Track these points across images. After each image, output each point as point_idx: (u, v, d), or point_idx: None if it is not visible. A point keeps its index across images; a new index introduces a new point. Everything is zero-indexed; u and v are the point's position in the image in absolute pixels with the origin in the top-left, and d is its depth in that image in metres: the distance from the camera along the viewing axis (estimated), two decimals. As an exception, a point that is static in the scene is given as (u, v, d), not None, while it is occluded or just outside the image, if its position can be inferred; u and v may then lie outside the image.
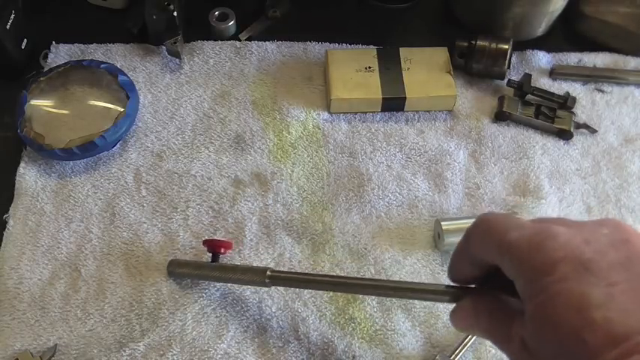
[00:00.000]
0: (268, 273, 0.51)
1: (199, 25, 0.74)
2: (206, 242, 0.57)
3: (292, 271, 0.59)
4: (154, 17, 0.70)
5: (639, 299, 0.29)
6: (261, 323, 0.57)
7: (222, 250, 0.56)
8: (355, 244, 0.61)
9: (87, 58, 0.70)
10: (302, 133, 0.68)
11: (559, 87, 0.72)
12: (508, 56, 0.70)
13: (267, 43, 0.74)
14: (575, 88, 0.72)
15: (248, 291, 0.58)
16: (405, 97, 0.68)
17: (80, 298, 0.57)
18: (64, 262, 0.59)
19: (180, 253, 0.60)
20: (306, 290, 0.58)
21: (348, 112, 0.69)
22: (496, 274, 0.35)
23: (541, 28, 0.75)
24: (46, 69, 0.70)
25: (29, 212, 0.62)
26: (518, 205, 0.64)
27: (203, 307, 0.57)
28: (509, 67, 0.71)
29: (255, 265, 0.59)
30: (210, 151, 0.66)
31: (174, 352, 0.55)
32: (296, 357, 0.55)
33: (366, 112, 0.70)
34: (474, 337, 0.55)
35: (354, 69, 0.69)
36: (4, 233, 0.60)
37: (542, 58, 0.74)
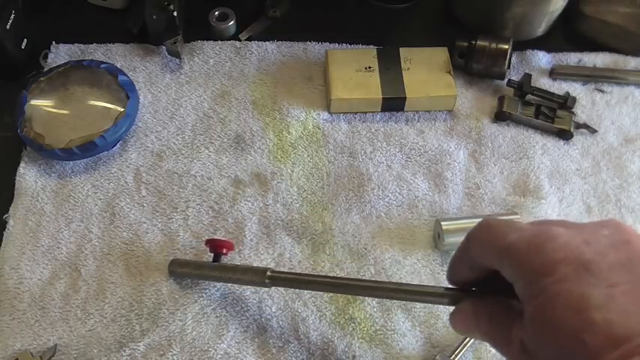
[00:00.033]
0: (268, 273, 0.51)
1: (199, 25, 0.74)
2: (208, 242, 0.57)
3: (292, 271, 0.59)
4: (154, 17, 0.70)
5: None
6: (261, 323, 0.57)
7: (224, 251, 0.56)
8: (355, 244, 0.61)
9: (87, 58, 0.70)
10: (302, 133, 0.68)
11: (559, 87, 0.72)
12: (508, 56, 0.70)
13: (267, 43, 0.74)
14: (575, 88, 0.72)
15: (248, 291, 0.58)
16: (405, 97, 0.68)
17: (80, 298, 0.57)
18: (64, 262, 0.59)
19: (180, 253, 0.60)
20: (306, 290, 0.58)
21: (348, 112, 0.69)
22: (495, 277, 0.35)
23: (541, 28, 0.75)
24: (46, 69, 0.70)
25: (29, 212, 0.62)
26: (518, 205, 0.64)
27: (203, 307, 0.57)
28: (509, 67, 0.71)
29: (255, 265, 0.59)
30: (210, 151, 0.66)
31: (174, 352, 0.55)
32: (296, 357, 0.55)
33: (366, 112, 0.70)
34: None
35: (354, 69, 0.69)
36: (4, 233, 0.60)
37: (542, 58, 0.74)
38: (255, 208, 0.63)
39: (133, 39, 0.74)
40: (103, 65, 0.67)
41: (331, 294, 0.58)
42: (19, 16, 0.69)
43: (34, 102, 0.65)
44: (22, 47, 0.70)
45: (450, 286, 0.40)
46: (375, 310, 0.57)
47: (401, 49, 0.71)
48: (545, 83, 0.72)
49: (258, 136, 0.67)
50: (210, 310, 0.57)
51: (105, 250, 0.60)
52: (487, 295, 0.37)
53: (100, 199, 0.63)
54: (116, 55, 0.72)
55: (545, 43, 0.76)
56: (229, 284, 0.58)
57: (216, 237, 0.60)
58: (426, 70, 0.70)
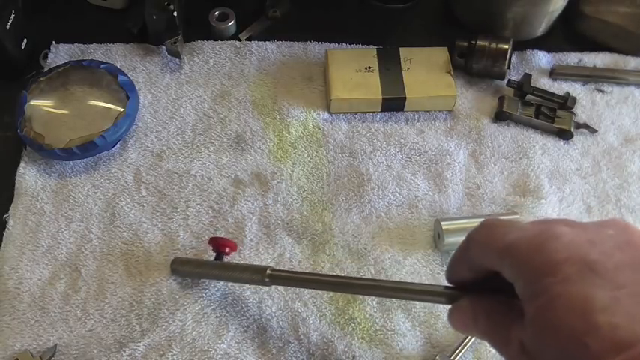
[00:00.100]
0: (268, 272, 0.51)
1: (199, 25, 0.74)
2: (212, 240, 0.57)
3: (292, 270, 0.59)
4: (154, 17, 0.70)
5: None
6: (261, 323, 0.57)
7: (227, 250, 0.56)
8: (355, 244, 0.61)
9: (87, 58, 0.70)
10: (302, 133, 0.68)
11: (559, 87, 0.72)
12: (508, 56, 0.70)
13: (267, 43, 0.74)
14: (575, 88, 0.72)
15: (248, 291, 0.58)
16: (405, 97, 0.68)
17: (80, 298, 0.57)
18: (64, 262, 0.59)
19: (181, 253, 0.60)
20: (306, 290, 0.58)
21: (348, 112, 0.69)
22: (494, 278, 0.34)
23: (541, 28, 0.75)
24: (46, 69, 0.70)
25: (29, 212, 0.62)
26: (518, 205, 0.64)
27: (203, 307, 0.57)
28: (509, 67, 0.71)
29: (255, 263, 0.59)
30: (210, 151, 0.66)
31: (174, 352, 0.55)
32: (296, 357, 0.55)
33: (366, 112, 0.70)
34: (474, 337, 0.55)
35: (354, 69, 0.69)
36: (4, 233, 0.60)
37: (542, 58, 0.74)
38: (255, 208, 0.63)
39: (133, 39, 0.74)
40: (103, 65, 0.67)
41: (331, 294, 0.58)
42: (19, 16, 0.69)
43: (34, 102, 0.65)
44: (22, 47, 0.71)
45: (449, 284, 0.40)
46: (375, 310, 0.57)
47: (401, 49, 0.71)
48: (545, 83, 0.72)
49: (258, 136, 0.67)
50: (210, 310, 0.57)
51: (105, 250, 0.60)
52: (486, 294, 0.36)
53: (100, 199, 0.63)
54: (116, 55, 0.72)
55: (545, 43, 0.76)
56: (229, 284, 0.58)
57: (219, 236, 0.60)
58: (426, 70, 0.70)
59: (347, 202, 0.64)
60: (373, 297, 0.58)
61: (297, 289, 0.58)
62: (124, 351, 0.54)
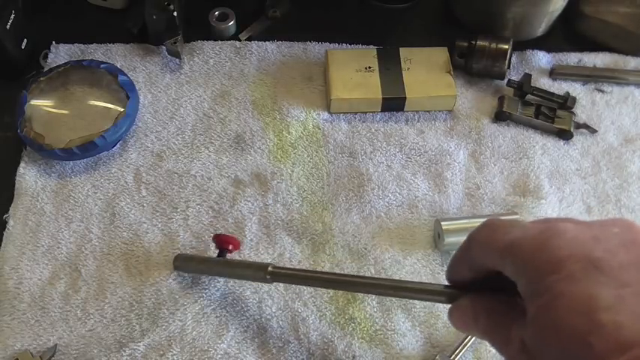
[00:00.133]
0: (270, 269, 0.51)
1: (199, 25, 0.74)
2: (216, 237, 0.57)
3: (293, 267, 0.59)
4: (154, 17, 0.70)
5: None
6: (261, 323, 0.57)
7: (230, 247, 0.56)
8: (355, 244, 0.61)
9: (87, 58, 0.70)
10: (302, 133, 0.68)
11: (559, 87, 0.72)
12: (508, 56, 0.70)
13: (267, 43, 0.74)
14: (575, 88, 0.72)
15: (248, 291, 0.58)
16: (405, 97, 0.68)
17: (80, 298, 0.57)
18: (64, 262, 0.59)
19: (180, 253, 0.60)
20: (306, 290, 0.58)
21: (348, 112, 0.69)
22: (494, 278, 0.34)
23: (541, 28, 0.75)
24: (46, 69, 0.70)
25: (29, 212, 0.62)
26: (518, 205, 0.64)
27: (203, 307, 0.57)
28: (509, 67, 0.71)
29: (255, 265, 0.59)
30: (210, 151, 0.66)
31: (174, 352, 0.55)
32: (296, 357, 0.55)
33: (366, 112, 0.70)
34: (474, 337, 0.55)
35: (354, 69, 0.69)
36: (4, 233, 0.60)
37: (542, 58, 0.74)
38: (255, 208, 0.63)
39: (133, 39, 0.74)
40: (103, 65, 0.67)
41: (331, 294, 0.58)
42: (19, 16, 0.69)
43: (34, 102, 0.65)
44: (22, 47, 0.71)
45: (449, 284, 0.40)
46: (375, 310, 0.57)
47: (401, 49, 0.71)
48: (545, 83, 0.72)
49: (258, 136, 0.67)
50: (210, 310, 0.57)
51: (105, 250, 0.60)
52: (486, 293, 0.36)
53: (100, 199, 0.63)
54: (116, 55, 0.72)
55: (545, 43, 0.76)
56: (230, 283, 0.58)
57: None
58: (425, 70, 0.70)
59: (347, 202, 0.64)
60: (373, 297, 0.58)
61: (298, 288, 0.58)
62: (124, 351, 0.54)
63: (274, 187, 0.64)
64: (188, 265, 0.58)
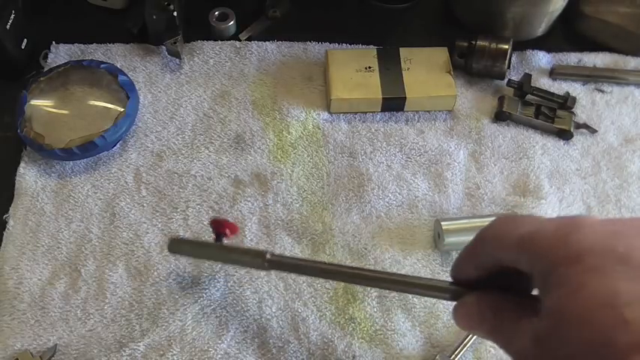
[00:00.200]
0: (268, 256, 0.50)
1: (199, 25, 0.74)
2: (213, 222, 0.55)
3: (293, 256, 0.58)
4: (154, 17, 0.70)
5: None
6: (261, 323, 0.57)
7: (228, 232, 0.54)
8: (355, 244, 0.61)
9: (87, 58, 0.70)
10: (302, 133, 0.68)
11: (559, 87, 0.72)
12: (508, 56, 0.70)
13: (267, 43, 0.74)
14: (575, 88, 0.72)
15: (248, 291, 0.58)
16: (405, 97, 0.68)
17: (80, 298, 0.57)
18: (64, 262, 0.59)
19: (180, 253, 0.60)
20: (306, 290, 0.58)
21: (348, 112, 0.69)
22: (500, 276, 0.34)
23: (541, 28, 0.75)
24: (46, 69, 0.70)
25: (29, 212, 0.62)
26: (518, 205, 0.64)
27: (203, 307, 0.57)
28: (509, 67, 0.71)
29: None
30: (210, 151, 0.66)
31: (174, 352, 0.55)
32: (296, 357, 0.55)
33: (366, 112, 0.70)
34: (474, 337, 0.55)
35: (354, 69, 0.69)
36: (4, 233, 0.60)
37: (542, 58, 0.74)
38: (255, 208, 0.63)
39: (133, 39, 0.74)
40: (103, 65, 0.67)
41: (331, 294, 0.58)
42: (19, 16, 0.69)
43: (34, 102, 0.65)
44: (22, 47, 0.71)
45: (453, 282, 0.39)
46: (375, 310, 0.57)
47: (401, 49, 0.71)
48: (545, 83, 0.72)
49: (258, 136, 0.67)
50: (210, 310, 0.57)
51: (105, 250, 0.60)
52: (492, 291, 0.35)
53: (100, 199, 0.63)
54: (116, 55, 0.72)
55: (545, 43, 0.76)
56: (230, 283, 0.58)
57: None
58: (426, 70, 0.70)
59: (347, 202, 0.64)
60: (373, 297, 0.58)
61: (298, 288, 0.58)
62: (124, 351, 0.54)
63: (274, 187, 0.64)
64: (183, 248, 0.57)
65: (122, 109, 0.65)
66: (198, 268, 0.59)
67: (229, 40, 0.74)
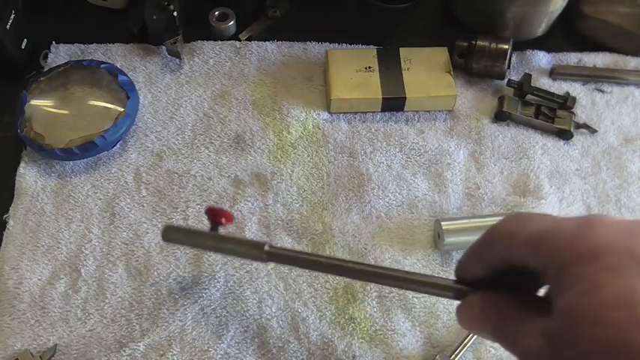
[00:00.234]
0: (266, 248, 0.48)
1: (199, 25, 0.74)
2: (209, 210, 0.53)
3: (293, 249, 0.57)
4: (154, 17, 0.70)
5: None
6: (261, 323, 0.57)
7: (223, 221, 0.53)
8: (355, 244, 0.61)
9: (87, 58, 0.70)
10: (302, 133, 0.68)
11: (559, 87, 0.72)
12: (508, 56, 0.70)
13: (267, 43, 0.74)
14: (575, 88, 0.72)
15: (248, 291, 0.58)
16: (405, 97, 0.68)
17: (80, 298, 0.57)
18: (64, 262, 0.59)
19: (181, 253, 0.60)
20: (306, 290, 0.58)
21: (348, 112, 0.69)
22: (505, 276, 0.34)
23: (541, 28, 0.75)
24: (46, 69, 0.70)
25: (29, 212, 0.62)
26: (518, 205, 0.64)
27: (203, 307, 0.57)
28: (509, 67, 0.71)
29: (255, 263, 0.59)
30: (210, 151, 0.66)
31: (174, 352, 0.55)
32: (296, 357, 0.55)
33: (366, 112, 0.70)
34: (474, 337, 0.55)
35: (354, 69, 0.69)
36: (4, 233, 0.60)
37: (542, 58, 0.74)
38: (255, 208, 0.63)
39: (133, 39, 0.74)
40: (103, 65, 0.67)
41: (331, 294, 0.58)
42: (19, 16, 0.69)
43: (34, 102, 0.65)
44: (22, 47, 0.71)
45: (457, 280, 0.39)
46: (375, 310, 0.57)
47: (401, 49, 0.71)
48: (545, 83, 0.72)
49: (258, 136, 0.67)
50: (210, 310, 0.57)
51: (105, 250, 0.60)
52: (497, 290, 0.35)
53: (100, 199, 0.63)
54: (116, 55, 0.72)
55: (545, 43, 0.76)
56: (229, 283, 0.58)
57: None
58: (426, 70, 0.70)
59: (347, 202, 0.64)
60: (373, 297, 0.58)
61: (298, 288, 0.58)
62: (124, 351, 0.54)
63: (274, 187, 0.64)
64: (178, 236, 0.54)
65: (122, 109, 0.65)
66: (198, 268, 0.59)
67: (229, 40, 0.74)
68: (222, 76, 0.72)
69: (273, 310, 0.57)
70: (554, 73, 0.73)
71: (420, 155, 0.67)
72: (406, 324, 0.57)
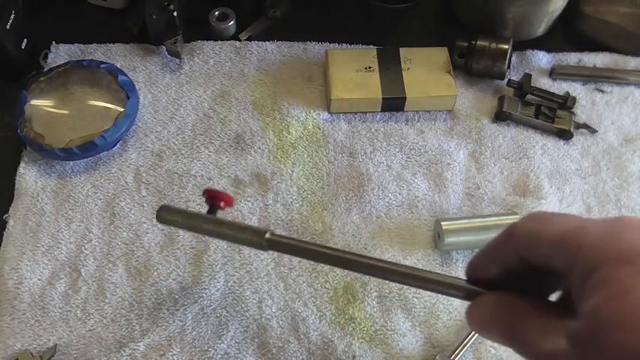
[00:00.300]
0: (267, 236, 0.46)
1: (199, 25, 0.74)
2: (207, 192, 0.51)
3: (296, 238, 0.52)
4: (154, 17, 0.70)
5: None
6: (261, 323, 0.57)
7: (222, 204, 0.51)
8: (355, 244, 0.61)
9: (87, 58, 0.70)
10: (302, 133, 0.68)
11: (559, 87, 0.72)
12: (508, 56, 0.70)
13: (267, 43, 0.74)
14: (575, 88, 0.72)
15: (248, 291, 0.58)
16: (405, 97, 0.68)
17: (80, 298, 0.57)
18: (64, 262, 0.59)
19: (181, 253, 0.60)
20: (306, 290, 0.58)
21: (348, 112, 0.69)
22: (519, 277, 0.33)
23: (541, 28, 0.75)
24: (46, 69, 0.70)
25: (29, 212, 0.62)
26: (518, 205, 0.64)
27: (203, 307, 0.57)
28: (509, 67, 0.71)
29: (255, 263, 0.59)
30: (210, 151, 0.66)
31: (174, 352, 0.55)
32: (296, 357, 0.55)
33: (366, 112, 0.70)
34: (474, 337, 0.55)
35: (354, 69, 0.69)
36: (4, 233, 0.60)
37: (542, 58, 0.74)
38: (255, 208, 0.63)
39: (133, 39, 0.74)
40: (103, 65, 0.67)
41: (331, 294, 0.58)
42: (19, 16, 0.69)
43: (34, 102, 0.65)
44: (22, 47, 0.71)
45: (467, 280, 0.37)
46: (375, 310, 0.57)
47: (401, 49, 0.71)
48: (545, 83, 0.72)
49: (258, 136, 0.67)
50: (210, 310, 0.57)
51: (105, 250, 0.60)
52: (510, 292, 0.34)
53: (100, 199, 0.63)
54: (116, 55, 0.72)
55: (545, 43, 0.76)
56: (229, 283, 0.58)
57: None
58: (426, 70, 0.70)
59: (347, 202, 0.64)
60: (373, 297, 0.58)
61: (298, 288, 0.58)
62: (124, 351, 0.54)
63: (274, 187, 0.64)
64: (174, 218, 0.51)
65: (122, 109, 0.65)
66: (198, 268, 0.59)
67: (229, 40, 0.74)
68: (222, 76, 0.72)
69: (273, 310, 0.57)
70: (554, 73, 0.73)
71: (420, 155, 0.67)
72: (406, 324, 0.57)
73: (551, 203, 0.64)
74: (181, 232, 0.61)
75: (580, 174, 0.67)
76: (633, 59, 0.75)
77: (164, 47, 0.71)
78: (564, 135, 0.69)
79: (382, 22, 0.78)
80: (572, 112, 0.70)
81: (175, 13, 0.70)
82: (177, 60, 0.72)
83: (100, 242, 0.60)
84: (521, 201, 0.64)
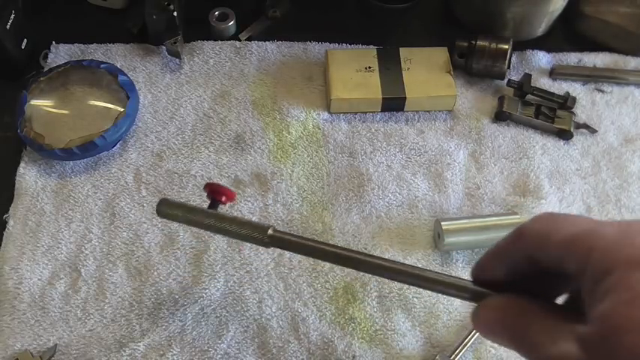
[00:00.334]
0: (270, 232, 0.45)
1: (199, 25, 0.74)
2: (208, 186, 0.50)
3: (299, 235, 0.51)
4: (154, 17, 0.70)
5: None
6: (261, 323, 0.57)
7: (224, 199, 0.50)
8: (355, 244, 0.61)
9: (87, 58, 0.70)
10: (302, 133, 0.68)
11: (559, 87, 0.72)
12: (508, 56, 0.70)
13: (267, 43, 0.74)
14: (575, 88, 0.72)
15: (248, 291, 0.58)
16: (405, 97, 0.68)
17: (80, 298, 0.57)
18: (64, 262, 0.59)
19: (181, 253, 0.60)
20: (306, 290, 0.58)
21: (348, 112, 0.69)
22: (526, 279, 0.33)
23: (541, 28, 0.75)
24: (46, 69, 0.70)
25: (29, 212, 0.62)
26: (518, 205, 0.64)
27: (203, 307, 0.57)
28: (509, 67, 0.71)
29: (255, 263, 0.59)
30: (210, 151, 0.66)
31: (174, 352, 0.55)
32: (296, 357, 0.55)
33: (366, 112, 0.70)
34: (474, 337, 0.55)
35: (354, 69, 0.69)
36: (4, 233, 0.60)
37: (542, 58, 0.74)
38: (255, 208, 0.63)
39: (133, 39, 0.74)
40: (103, 65, 0.67)
41: (331, 294, 0.58)
42: (19, 16, 0.69)
43: (34, 102, 0.65)
44: (22, 47, 0.71)
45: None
46: (375, 310, 0.57)
47: (401, 49, 0.71)
48: (545, 83, 0.72)
49: (258, 136, 0.67)
50: (210, 310, 0.57)
51: (105, 250, 0.60)
52: (517, 294, 0.33)
53: (100, 199, 0.63)
54: (116, 55, 0.72)
55: (545, 43, 0.76)
56: (229, 283, 0.58)
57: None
58: (426, 70, 0.70)
59: (347, 202, 0.64)
60: (373, 297, 0.58)
61: (298, 288, 0.58)
62: (124, 351, 0.54)
63: (274, 187, 0.64)
64: (174, 212, 0.50)
65: (122, 109, 0.65)
66: (198, 268, 0.59)
67: (229, 40, 0.74)
68: (222, 76, 0.72)
69: (273, 310, 0.57)
70: (554, 73, 0.73)
71: (420, 155, 0.67)
72: (406, 324, 0.57)
73: (551, 203, 0.64)
74: (181, 232, 0.61)
75: (580, 174, 0.67)
76: (633, 59, 0.75)
77: (164, 47, 0.71)
78: (564, 135, 0.69)
79: (382, 22, 0.78)
80: (572, 112, 0.70)
81: (175, 13, 0.70)
82: (177, 60, 0.72)
83: (100, 242, 0.60)
84: (521, 201, 0.64)
